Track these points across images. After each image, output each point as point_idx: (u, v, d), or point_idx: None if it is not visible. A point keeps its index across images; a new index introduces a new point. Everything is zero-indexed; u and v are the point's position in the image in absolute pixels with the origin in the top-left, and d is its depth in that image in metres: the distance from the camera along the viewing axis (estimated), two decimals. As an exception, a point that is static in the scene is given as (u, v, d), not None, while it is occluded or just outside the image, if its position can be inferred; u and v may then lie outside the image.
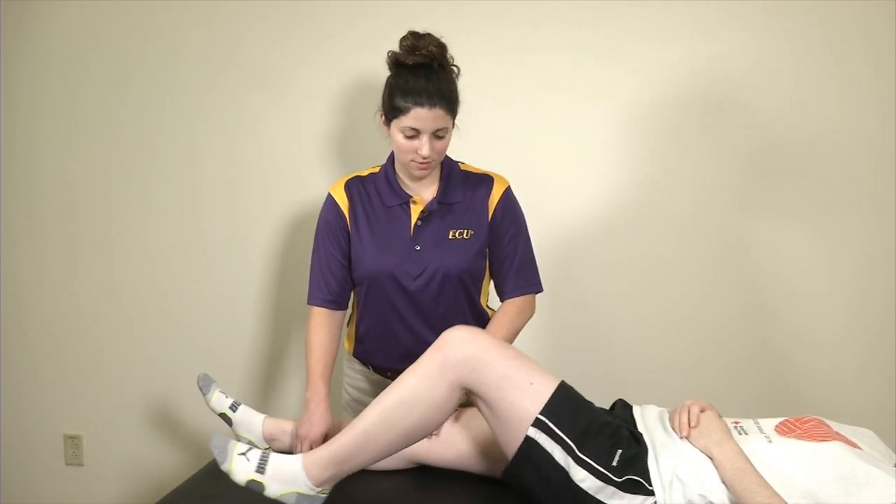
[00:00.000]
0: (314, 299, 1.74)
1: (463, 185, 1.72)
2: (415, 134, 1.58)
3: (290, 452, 1.65)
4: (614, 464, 1.37)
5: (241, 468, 1.37)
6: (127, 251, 2.44)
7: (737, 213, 2.13)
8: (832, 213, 2.09)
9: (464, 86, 1.65)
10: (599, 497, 1.36)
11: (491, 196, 1.71)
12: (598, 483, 1.36)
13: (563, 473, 1.35)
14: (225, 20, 2.28)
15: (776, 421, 1.48)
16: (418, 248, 1.67)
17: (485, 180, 1.73)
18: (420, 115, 1.55)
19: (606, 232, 2.18)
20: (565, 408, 1.39)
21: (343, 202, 1.73)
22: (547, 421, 1.36)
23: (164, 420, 2.49)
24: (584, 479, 1.35)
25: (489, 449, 1.55)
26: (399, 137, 1.60)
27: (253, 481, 1.36)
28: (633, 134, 2.14)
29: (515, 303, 1.73)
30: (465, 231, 1.69)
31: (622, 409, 1.56)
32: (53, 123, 2.42)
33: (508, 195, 1.73)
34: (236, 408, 1.68)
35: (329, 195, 1.75)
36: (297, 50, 2.25)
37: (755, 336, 2.16)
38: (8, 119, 2.45)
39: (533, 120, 2.17)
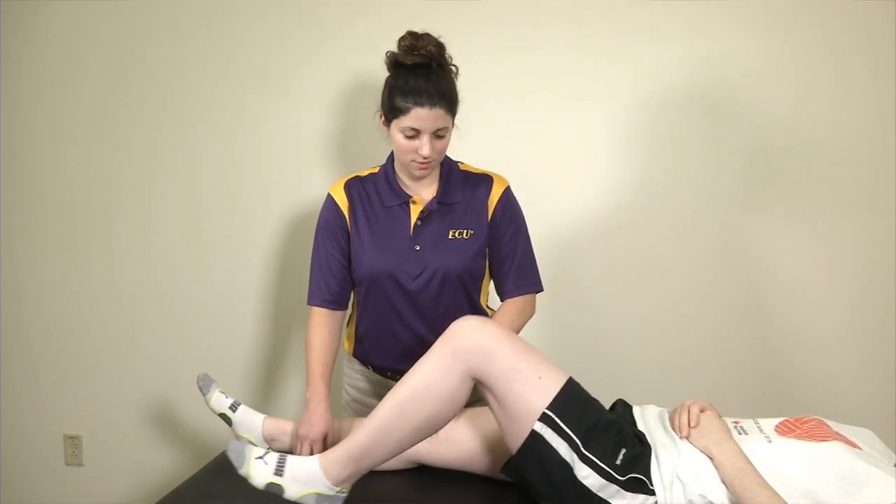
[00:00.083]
0: (314, 299, 1.74)
1: (462, 184, 1.72)
2: (415, 134, 1.58)
3: (290, 452, 1.66)
4: (618, 462, 1.37)
5: (259, 472, 1.37)
6: (127, 251, 2.44)
7: (737, 213, 2.13)
8: (832, 213, 2.09)
9: (464, 86, 1.65)
10: (602, 495, 1.36)
11: (490, 196, 1.71)
12: (602, 481, 1.36)
13: (568, 470, 1.35)
14: (225, 20, 2.28)
15: (776, 421, 1.48)
16: (418, 248, 1.67)
17: (484, 180, 1.73)
18: (420, 115, 1.55)
19: (606, 232, 2.18)
20: (573, 404, 1.39)
21: (343, 202, 1.73)
22: (554, 416, 1.36)
23: (164, 420, 2.49)
24: (587, 477, 1.36)
25: (489, 449, 1.55)
26: (399, 138, 1.60)
27: (272, 484, 1.36)
28: (632, 134, 2.14)
29: (516, 302, 1.73)
30: (465, 231, 1.69)
31: (622, 410, 1.56)
32: (53, 123, 2.42)
33: (508, 195, 1.73)
34: (236, 408, 1.68)
35: (329, 195, 1.75)
36: (297, 50, 2.25)
37: (755, 336, 2.16)
38: (8, 119, 2.45)
39: (533, 120, 2.17)
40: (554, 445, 1.35)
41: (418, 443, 1.44)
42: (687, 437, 1.44)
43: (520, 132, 2.18)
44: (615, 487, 1.36)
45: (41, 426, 2.57)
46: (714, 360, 2.18)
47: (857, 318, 2.11)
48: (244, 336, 2.41)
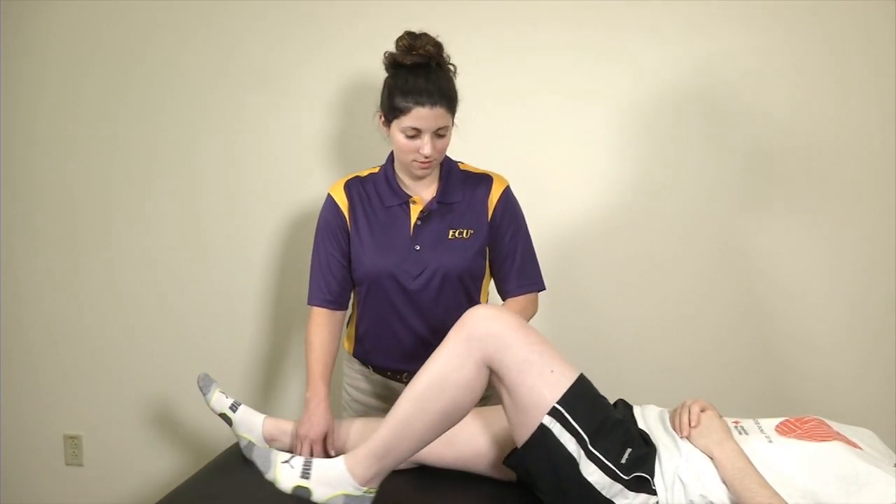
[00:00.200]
0: (314, 299, 1.74)
1: (462, 184, 1.72)
2: (416, 133, 1.58)
3: (290, 452, 1.66)
4: (623, 462, 1.37)
5: (285, 476, 1.37)
6: (127, 251, 2.44)
7: (737, 213, 2.13)
8: (832, 213, 2.09)
9: (464, 86, 1.65)
10: (605, 493, 1.36)
11: (490, 196, 1.71)
12: (607, 479, 1.36)
13: (573, 466, 1.35)
14: (225, 20, 2.28)
15: (776, 421, 1.49)
16: (418, 248, 1.67)
17: (484, 180, 1.73)
18: (421, 115, 1.55)
19: (606, 232, 2.18)
20: (583, 400, 1.39)
21: (343, 202, 1.73)
22: (564, 411, 1.35)
23: (164, 420, 2.49)
24: (592, 474, 1.35)
25: (490, 449, 1.55)
26: (400, 138, 1.60)
27: (299, 487, 1.36)
28: (632, 134, 2.14)
29: (518, 301, 1.73)
30: (465, 230, 1.69)
31: (623, 410, 1.56)
32: (53, 123, 2.42)
33: (508, 195, 1.73)
34: (236, 408, 1.68)
35: (329, 195, 1.75)
36: (297, 50, 2.25)
37: (755, 336, 2.16)
38: (8, 119, 2.45)
39: (532, 120, 2.17)
40: (562, 441, 1.35)
41: (440, 435, 1.42)
42: (687, 437, 1.44)
43: (520, 132, 2.18)
44: (619, 486, 1.36)
45: (41, 426, 2.57)
46: (714, 360, 2.18)
47: (857, 318, 2.11)
48: (244, 336, 2.41)
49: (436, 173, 1.72)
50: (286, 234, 2.34)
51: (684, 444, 1.43)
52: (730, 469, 1.34)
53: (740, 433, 1.45)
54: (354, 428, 1.66)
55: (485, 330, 1.37)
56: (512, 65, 2.16)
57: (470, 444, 1.57)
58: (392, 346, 1.74)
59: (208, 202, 2.37)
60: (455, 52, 1.64)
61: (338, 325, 1.75)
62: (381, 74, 1.64)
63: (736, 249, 2.15)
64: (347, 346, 1.86)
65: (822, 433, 1.41)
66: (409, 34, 1.59)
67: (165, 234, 2.41)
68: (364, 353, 1.81)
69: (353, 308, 1.82)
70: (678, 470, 1.39)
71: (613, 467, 1.36)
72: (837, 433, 1.43)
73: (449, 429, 1.42)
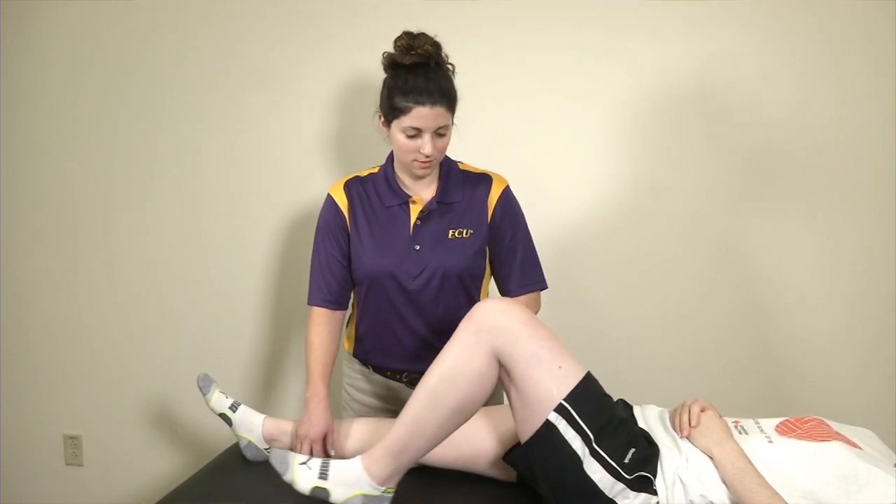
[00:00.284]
0: (314, 299, 1.74)
1: (462, 184, 1.72)
2: (416, 133, 1.58)
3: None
4: (626, 461, 1.37)
5: (303, 477, 1.37)
6: (127, 251, 2.44)
7: (737, 213, 2.13)
8: (832, 213, 2.09)
9: (464, 86, 1.65)
10: (607, 493, 1.36)
11: (490, 195, 1.71)
12: (610, 478, 1.36)
13: (577, 464, 1.35)
14: (225, 20, 2.28)
15: (776, 421, 1.49)
16: (418, 248, 1.67)
17: (484, 180, 1.73)
18: (421, 114, 1.55)
19: (606, 232, 2.18)
20: (589, 398, 1.39)
21: (342, 202, 1.73)
22: (570, 408, 1.35)
23: (164, 420, 2.49)
24: (596, 472, 1.35)
25: (489, 449, 1.55)
26: (401, 138, 1.60)
27: (317, 488, 1.36)
28: (632, 134, 2.14)
29: (520, 301, 1.73)
30: (465, 230, 1.69)
31: (623, 410, 1.56)
32: (53, 123, 2.43)
33: (507, 194, 1.73)
34: (236, 408, 1.68)
35: (328, 196, 1.75)
36: (297, 50, 2.25)
37: (755, 336, 2.16)
38: (8, 119, 2.45)
39: (532, 120, 2.17)
40: (567, 438, 1.35)
41: (455, 430, 1.42)
42: (687, 437, 1.44)
43: (520, 132, 2.18)
44: (621, 486, 1.36)
45: (41, 426, 2.57)
46: (714, 360, 2.18)
47: (857, 318, 2.11)
48: (244, 336, 2.41)
49: (435, 173, 1.72)
50: (286, 234, 2.34)
51: (684, 444, 1.43)
52: (730, 469, 1.34)
53: (740, 433, 1.45)
54: (354, 428, 1.66)
55: (494, 322, 1.37)
56: (512, 65, 2.16)
57: (470, 443, 1.57)
58: (392, 346, 1.74)
59: (208, 202, 2.37)
60: (455, 52, 1.64)
61: (338, 325, 1.75)
62: (381, 74, 1.64)
63: (736, 249, 2.15)
64: (347, 346, 1.86)
65: (822, 433, 1.41)
66: (407, 34, 1.59)
67: (165, 234, 2.41)
68: (364, 353, 1.81)
69: (353, 308, 1.82)
70: (678, 470, 1.39)
71: (617, 466, 1.36)
72: (837, 433, 1.43)
73: (463, 423, 1.42)
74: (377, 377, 1.81)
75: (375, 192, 1.72)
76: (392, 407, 1.82)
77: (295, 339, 2.37)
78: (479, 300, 1.75)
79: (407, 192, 1.71)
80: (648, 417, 1.54)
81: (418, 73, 1.56)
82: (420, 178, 1.69)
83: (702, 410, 1.46)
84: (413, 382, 1.76)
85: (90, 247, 2.46)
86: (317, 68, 2.25)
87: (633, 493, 1.37)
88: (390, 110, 1.59)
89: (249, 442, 1.67)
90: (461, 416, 1.40)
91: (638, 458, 1.38)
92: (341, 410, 1.92)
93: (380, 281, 1.69)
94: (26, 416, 2.58)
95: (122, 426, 2.51)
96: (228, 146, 2.34)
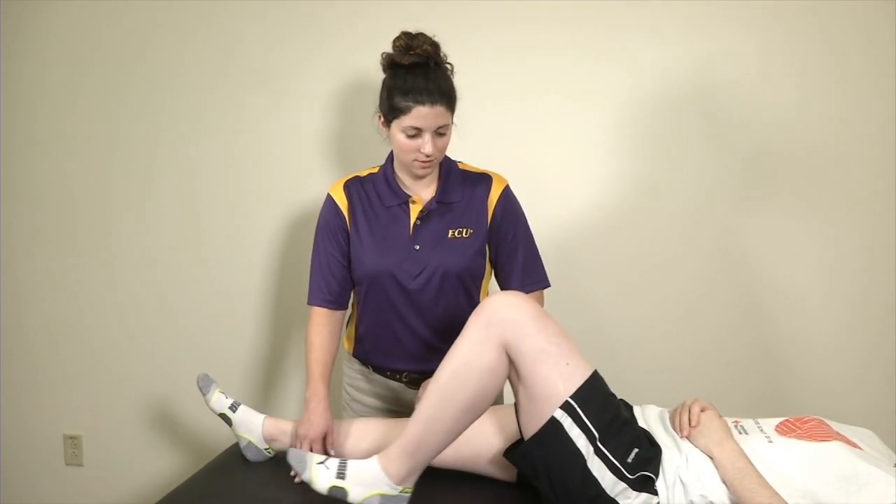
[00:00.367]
0: (314, 299, 1.74)
1: (462, 184, 1.72)
2: (417, 133, 1.58)
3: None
4: (630, 461, 1.37)
5: (321, 477, 1.37)
6: (127, 251, 2.44)
7: (737, 213, 2.13)
8: (832, 213, 2.09)
9: (464, 85, 1.65)
10: (609, 492, 1.36)
11: (490, 195, 1.71)
12: (612, 478, 1.36)
13: (581, 462, 1.35)
14: (225, 20, 2.28)
15: (776, 421, 1.49)
16: (417, 248, 1.67)
17: (483, 179, 1.73)
18: (421, 114, 1.55)
19: (606, 232, 2.18)
20: (596, 397, 1.38)
21: (342, 202, 1.73)
22: (576, 406, 1.35)
23: (164, 420, 2.49)
24: (598, 471, 1.35)
25: (489, 449, 1.55)
26: (401, 137, 1.60)
27: (335, 488, 1.36)
28: (632, 134, 2.14)
29: None
30: (465, 230, 1.69)
31: (624, 410, 1.56)
32: (53, 123, 2.43)
33: (507, 194, 1.73)
34: (236, 408, 1.68)
35: (328, 196, 1.75)
36: (297, 50, 2.25)
37: (755, 336, 2.16)
38: (8, 119, 2.45)
39: (532, 120, 2.17)
40: (571, 436, 1.35)
41: (469, 425, 1.42)
42: (687, 437, 1.44)
43: (520, 132, 2.18)
44: (623, 485, 1.36)
45: (41, 426, 2.57)
46: (714, 360, 2.18)
47: (857, 318, 2.11)
48: (244, 336, 2.41)
49: (435, 173, 1.72)
50: (286, 234, 2.34)
51: (684, 443, 1.43)
52: (730, 469, 1.35)
53: (740, 433, 1.45)
54: (354, 428, 1.66)
55: (503, 315, 1.36)
56: (512, 65, 2.16)
57: (469, 443, 1.56)
58: (392, 346, 1.74)
59: (208, 202, 2.37)
60: (455, 52, 1.65)
61: (338, 325, 1.75)
62: (381, 74, 1.64)
63: (736, 249, 2.15)
64: (347, 346, 1.86)
65: (822, 433, 1.41)
66: (405, 34, 1.59)
67: (165, 234, 2.41)
68: (364, 353, 1.81)
69: (352, 308, 1.82)
70: (679, 470, 1.39)
71: (620, 466, 1.36)
72: (837, 433, 1.43)
73: (477, 418, 1.42)
74: (377, 377, 1.81)
75: (375, 192, 1.72)
76: (392, 407, 1.82)
77: (295, 339, 2.37)
78: (479, 300, 1.75)
79: (407, 191, 1.71)
80: (648, 417, 1.54)
81: (417, 73, 1.56)
82: (420, 177, 1.69)
83: (702, 410, 1.46)
84: (413, 382, 1.77)
85: (90, 247, 2.46)
86: (317, 68, 2.25)
87: (634, 493, 1.37)
88: (390, 110, 1.59)
89: (249, 442, 1.68)
90: (474, 412, 1.40)
91: (641, 459, 1.38)
92: (341, 410, 1.92)
93: (380, 281, 1.69)
94: (26, 416, 2.58)
95: (122, 426, 2.51)
96: (228, 146, 2.34)
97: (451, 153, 1.72)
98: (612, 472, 1.36)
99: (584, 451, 1.35)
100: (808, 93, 2.06)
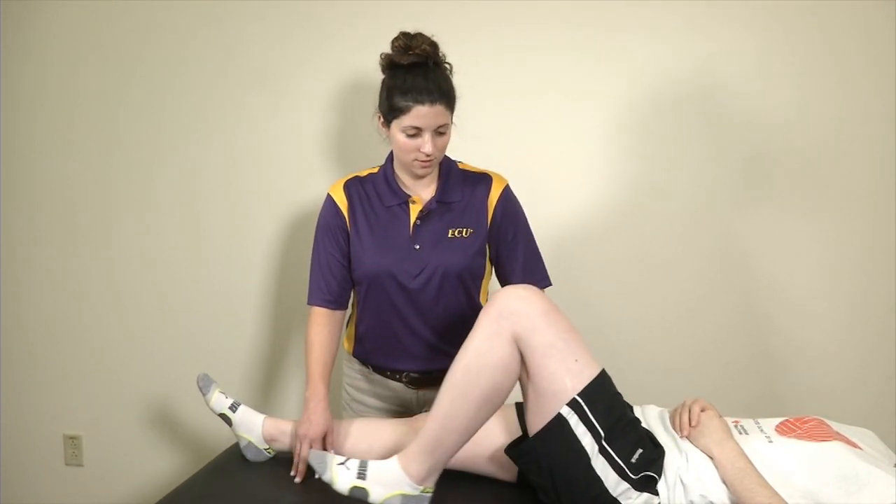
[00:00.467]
0: (314, 299, 1.74)
1: (462, 184, 1.72)
2: (417, 132, 1.58)
3: (290, 452, 1.66)
4: (634, 461, 1.37)
5: (342, 477, 1.37)
6: (127, 251, 2.44)
7: (736, 213, 2.13)
8: (832, 213, 2.09)
9: (464, 85, 1.65)
10: (612, 491, 1.36)
11: (490, 195, 1.71)
12: (616, 477, 1.36)
13: (585, 460, 1.35)
14: (225, 20, 2.28)
15: (777, 421, 1.49)
16: (417, 248, 1.67)
17: (483, 179, 1.73)
18: (421, 113, 1.55)
19: (606, 232, 2.18)
20: (603, 396, 1.38)
21: (342, 202, 1.73)
22: (583, 404, 1.35)
23: (164, 420, 2.49)
24: (602, 470, 1.35)
25: (488, 448, 1.55)
26: (401, 137, 1.60)
27: (356, 488, 1.36)
28: (632, 134, 2.14)
29: None
30: (465, 229, 1.69)
31: (629, 410, 1.56)
32: (53, 123, 2.42)
33: (507, 194, 1.73)
34: (236, 408, 1.68)
35: (328, 196, 1.75)
36: (297, 50, 2.25)
37: (755, 336, 2.16)
38: (8, 119, 2.45)
39: (532, 120, 2.17)
40: (577, 433, 1.35)
41: (486, 420, 1.41)
42: (687, 437, 1.44)
43: (519, 132, 2.18)
44: (626, 485, 1.36)
45: (41, 426, 2.57)
46: (714, 360, 2.18)
47: (857, 318, 2.11)
48: (244, 336, 2.41)
49: (435, 173, 1.72)
50: (286, 234, 2.34)
51: (684, 443, 1.43)
52: (730, 469, 1.35)
53: (740, 433, 1.45)
54: (354, 428, 1.66)
55: (514, 308, 1.36)
56: (512, 65, 2.16)
57: (471, 443, 1.56)
58: (392, 346, 1.74)
59: (208, 202, 2.37)
60: (455, 52, 1.65)
61: (338, 324, 1.75)
62: (381, 74, 1.64)
63: (736, 249, 2.15)
64: (347, 345, 1.86)
65: (822, 433, 1.41)
66: (404, 34, 1.59)
67: (165, 234, 2.41)
68: (364, 352, 1.81)
69: (352, 308, 1.82)
70: (679, 470, 1.39)
71: (624, 466, 1.36)
72: (837, 433, 1.43)
73: (493, 413, 1.41)
74: (377, 377, 1.81)
75: (375, 192, 1.73)
76: (392, 407, 1.82)
77: (295, 339, 2.37)
78: (478, 300, 1.76)
79: (407, 191, 1.71)
80: (648, 417, 1.54)
81: (417, 73, 1.56)
82: (420, 177, 1.69)
83: (702, 410, 1.47)
84: (413, 382, 1.77)
85: (90, 247, 2.46)
86: (317, 68, 2.25)
87: (635, 493, 1.37)
88: (390, 110, 1.59)
89: (249, 442, 1.68)
90: (490, 406, 1.39)
91: (645, 459, 1.38)
92: (341, 410, 1.92)
93: (380, 280, 1.69)
94: (26, 416, 2.58)
95: (122, 426, 2.51)
96: (228, 146, 2.34)
97: (451, 153, 1.72)
98: (615, 471, 1.36)
99: (588, 449, 1.35)
100: (808, 93, 2.06)
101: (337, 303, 1.74)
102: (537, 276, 1.75)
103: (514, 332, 1.35)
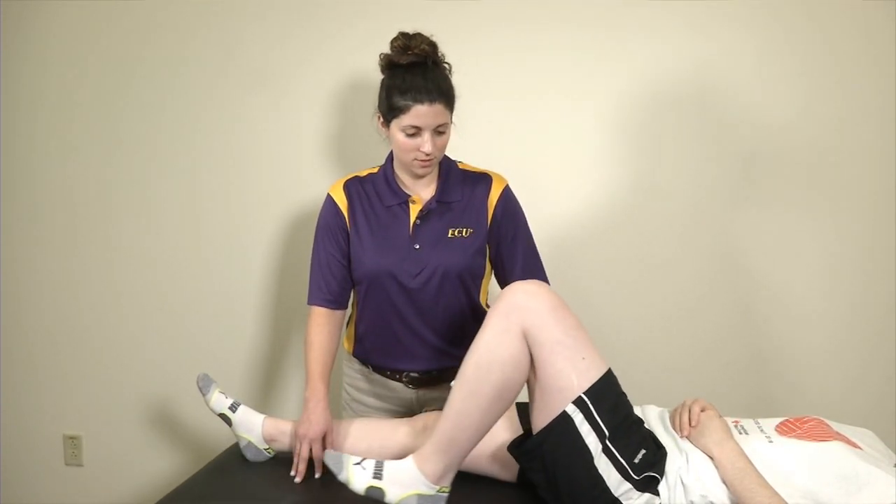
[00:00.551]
0: (314, 299, 1.74)
1: (461, 183, 1.72)
2: (416, 131, 1.58)
3: (290, 452, 1.66)
4: (637, 461, 1.37)
5: (358, 477, 1.37)
6: (127, 251, 2.44)
7: (736, 213, 2.13)
8: (832, 213, 2.09)
9: (463, 85, 1.65)
10: (614, 491, 1.36)
11: (490, 195, 1.71)
12: (618, 477, 1.36)
13: (588, 459, 1.35)
14: (225, 20, 2.28)
15: (777, 421, 1.49)
16: (417, 247, 1.67)
17: (483, 179, 1.73)
18: (420, 112, 1.55)
19: (606, 232, 2.18)
20: (608, 396, 1.38)
21: (342, 202, 1.73)
22: (589, 403, 1.35)
23: (164, 420, 2.49)
24: (605, 470, 1.35)
25: (488, 448, 1.55)
26: (400, 137, 1.60)
27: (372, 488, 1.36)
28: (632, 134, 2.14)
29: None
30: (465, 229, 1.69)
31: (633, 411, 1.56)
32: (53, 123, 2.42)
33: (507, 194, 1.73)
34: (236, 408, 1.68)
35: (328, 196, 1.75)
36: (297, 50, 2.25)
37: (755, 336, 2.16)
38: (8, 119, 2.45)
39: (532, 119, 2.17)
40: (581, 432, 1.34)
41: (499, 417, 1.41)
42: (687, 437, 1.44)
43: (519, 132, 2.18)
44: (628, 485, 1.36)
45: (41, 426, 2.57)
46: (714, 360, 2.18)
47: (857, 318, 2.11)
48: (244, 336, 2.41)
49: (435, 172, 1.72)
50: (286, 234, 2.34)
51: (685, 443, 1.43)
52: (730, 469, 1.35)
53: (740, 433, 1.45)
54: (354, 428, 1.66)
55: (523, 304, 1.36)
56: (512, 65, 2.16)
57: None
58: (392, 346, 1.74)
59: (208, 202, 2.37)
60: (455, 52, 1.65)
61: (337, 324, 1.75)
62: (381, 74, 1.64)
63: (736, 249, 2.14)
64: (347, 345, 1.86)
65: (822, 433, 1.41)
66: (403, 34, 1.59)
67: (165, 234, 2.41)
68: (364, 352, 1.81)
69: (352, 308, 1.82)
70: (679, 470, 1.39)
71: (627, 466, 1.36)
72: (837, 433, 1.43)
73: (506, 409, 1.41)
74: (377, 377, 1.81)
75: (375, 191, 1.73)
76: (392, 407, 1.82)
77: (295, 339, 2.37)
78: (478, 300, 1.76)
79: (406, 191, 1.71)
80: (648, 417, 1.54)
81: (416, 72, 1.57)
82: (420, 177, 1.69)
83: (702, 410, 1.46)
84: (413, 382, 1.77)
85: (90, 247, 2.46)
86: (317, 68, 2.25)
87: (637, 494, 1.37)
88: (389, 110, 1.59)
89: (249, 442, 1.68)
90: (502, 402, 1.39)
91: (647, 460, 1.38)
92: (341, 410, 1.92)
93: (380, 280, 1.69)
94: (26, 416, 2.58)
95: (122, 426, 2.51)
96: (228, 146, 2.34)
97: (451, 152, 1.72)
98: (618, 471, 1.36)
99: (592, 448, 1.35)
100: (808, 93, 2.06)
101: (337, 303, 1.74)
102: (536, 276, 1.75)
103: (523, 327, 1.35)
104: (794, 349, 2.15)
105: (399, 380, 1.78)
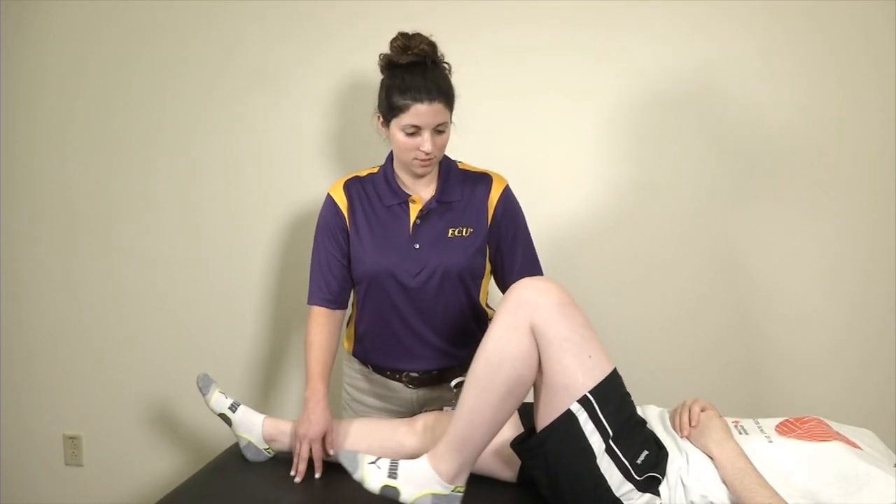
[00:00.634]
0: (314, 299, 1.74)
1: (461, 183, 1.72)
2: (416, 131, 1.58)
3: (289, 452, 1.66)
4: (639, 462, 1.37)
5: (373, 476, 1.37)
6: (127, 251, 2.44)
7: (736, 213, 2.13)
8: (832, 213, 2.09)
9: (463, 85, 1.65)
10: (615, 491, 1.36)
11: (490, 195, 1.71)
12: (620, 477, 1.36)
13: (591, 459, 1.35)
14: (225, 20, 2.28)
15: (776, 421, 1.49)
16: (417, 247, 1.67)
17: (483, 179, 1.73)
18: (420, 111, 1.56)
19: (606, 232, 2.18)
20: (614, 396, 1.38)
21: (342, 202, 1.73)
22: (594, 402, 1.35)
23: (164, 420, 2.49)
24: (608, 470, 1.35)
25: (493, 445, 1.54)
26: (400, 136, 1.60)
27: (387, 487, 1.36)
28: (632, 134, 2.14)
29: None
30: (465, 229, 1.69)
31: (637, 411, 1.56)
32: (53, 124, 2.42)
33: (507, 194, 1.73)
34: (236, 408, 1.68)
35: (328, 195, 1.75)
36: (297, 50, 2.25)
37: (755, 336, 2.16)
38: (8, 119, 2.45)
39: (532, 120, 2.17)
40: (585, 431, 1.34)
41: (511, 413, 1.41)
42: (687, 437, 1.44)
43: (519, 132, 2.18)
44: (630, 486, 1.36)
45: (41, 426, 2.57)
46: (714, 360, 2.18)
47: (857, 318, 2.11)
48: (244, 336, 2.41)
49: (435, 172, 1.72)
50: (286, 234, 2.34)
51: (685, 444, 1.43)
52: (730, 469, 1.35)
53: (740, 433, 1.45)
54: (354, 428, 1.66)
55: (532, 300, 1.36)
56: (512, 65, 2.16)
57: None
58: (392, 346, 1.74)
59: (208, 202, 2.37)
60: (455, 52, 1.65)
61: (337, 324, 1.76)
62: (381, 74, 1.64)
63: (736, 249, 2.14)
64: (347, 345, 1.86)
65: (821, 433, 1.41)
66: (402, 35, 1.60)
67: (165, 234, 2.41)
68: (364, 352, 1.81)
69: (352, 307, 1.82)
70: (680, 471, 1.39)
71: (629, 466, 1.36)
72: (837, 433, 1.43)
73: (518, 404, 1.41)
74: (377, 377, 1.81)
75: (375, 191, 1.73)
76: (392, 407, 1.82)
77: (295, 339, 2.37)
78: (478, 299, 1.76)
79: (406, 191, 1.71)
80: (649, 417, 1.54)
81: (415, 72, 1.57)
82: (420, 176, 1.69)
83: (702, 410, 1.46)
84: (413, 382, 1.77)
85: (90, 247, 2.46)
86: (317, 68, 2.25)
87: (638, 494, 1.37)
88: (389, 109, 1.59)
89: (249, 442, 1.68)
90: (514, 398, 1.39)
91: (649, 461, 1.38)
92: (341, 410, 1.92)
93: (380, 280, 1.69)
94: (26, 416, 2.58)
95: (122, 426, 2.51)
96: (228, 146, 2.34)
97: (451, 152, 1.72)
98: (620, 471, 1.36)
99: (595, 448, 1.35)
100: (808, 93, 2.06)
101: (337, 302, 1.74)
102: (534, 277, 1.75)
103: (532, 322, 1.35)
104: (794, 349, 2.15)
105: (399, 380, 1.78)
